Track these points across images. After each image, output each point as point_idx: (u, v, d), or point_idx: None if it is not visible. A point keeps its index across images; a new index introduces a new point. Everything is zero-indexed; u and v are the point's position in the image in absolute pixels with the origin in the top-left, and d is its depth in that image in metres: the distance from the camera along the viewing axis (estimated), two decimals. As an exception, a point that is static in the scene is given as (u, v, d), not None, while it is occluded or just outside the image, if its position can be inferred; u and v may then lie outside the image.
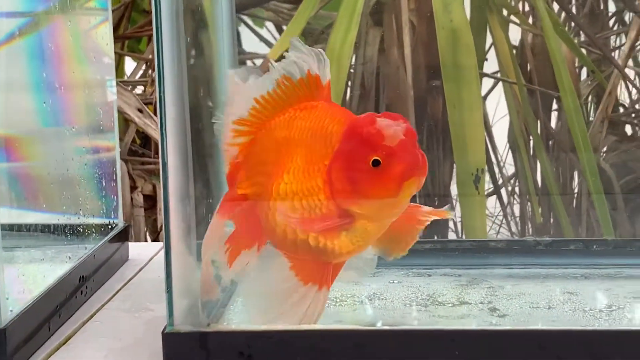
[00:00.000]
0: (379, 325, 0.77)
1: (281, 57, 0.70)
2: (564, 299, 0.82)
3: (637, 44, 1.62)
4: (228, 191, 0.72)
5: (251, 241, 0.70)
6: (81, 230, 0.93)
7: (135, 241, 1.43)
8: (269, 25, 1.64)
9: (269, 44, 1.57)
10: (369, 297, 0.85)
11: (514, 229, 1.63)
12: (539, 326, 0.73)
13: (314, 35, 1.50)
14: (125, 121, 1.54)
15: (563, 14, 1.61)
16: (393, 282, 0.88)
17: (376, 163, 0.62)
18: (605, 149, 1.63)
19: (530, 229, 1.60)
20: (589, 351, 0.68)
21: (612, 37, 1.68)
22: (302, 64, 0.67)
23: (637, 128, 1.69)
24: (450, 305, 0.81)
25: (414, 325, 0.75)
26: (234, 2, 0.92)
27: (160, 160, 0.72)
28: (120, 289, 0.95)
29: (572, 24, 1.63)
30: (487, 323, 0.77)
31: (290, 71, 0.68)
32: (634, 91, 1.68)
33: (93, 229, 0.96)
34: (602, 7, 1.66)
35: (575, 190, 1.57)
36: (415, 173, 0.62)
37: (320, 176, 0.65)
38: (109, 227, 1.00)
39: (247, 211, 0.70)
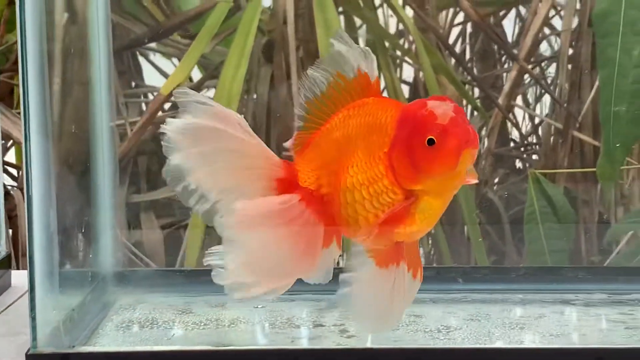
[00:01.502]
0: (233, 347, 0.83)
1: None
2: (409, 321, 0.89)
3: (528, 82, 1.73)
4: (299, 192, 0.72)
5: (331, 238, 0.72)
6: (-40, 258, 0.97)
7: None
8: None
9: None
10: (232, 321, 0.90)
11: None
12: (375, 345, 0.80)
13: (210, 70, 1.56)
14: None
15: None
16: (257, 307, 0.94)
17: (431, 142, 0.66)
18: (496, 180, 1.73)
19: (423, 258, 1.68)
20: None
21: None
22: (353, 62, 0.71)
23: (525, 162, 1.79)
24: (305, 327, 0.88)
25: (262, 346, 0.81)
26: (111, 38, 0.97)
27: (25, 193, 0.77)
28: (-2, 315, 0.99)
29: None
30: (334, 343, 0.84)
31: (345, 69, 0.71)
32: (528, 125, 1.78)
33: (-27, 258, 0.99)
34: (494, 46, 1.77)
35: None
36: (468, 145, 0.67)
37: (381, 164, 0.69)
38: (-10, 255, 1.04)
39: (324, 208, 0.72)
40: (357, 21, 1.59)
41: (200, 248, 1.34)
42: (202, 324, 0.90)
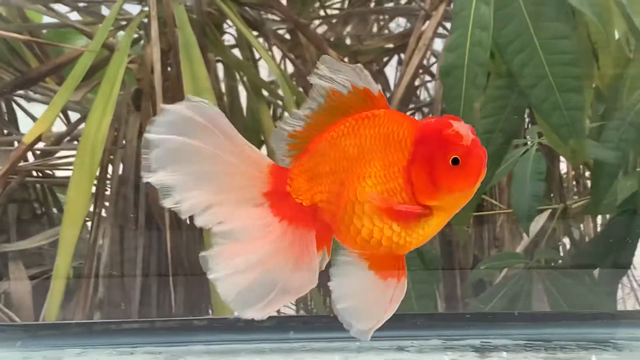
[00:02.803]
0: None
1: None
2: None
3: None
4: (281, 200, 0.72)
5: (320, 244, 0.72)
6: None
7: None
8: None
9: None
10: (64, 376, 0.89)
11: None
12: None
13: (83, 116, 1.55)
14: None
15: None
16: (94, 362, 0.93)
17: (456, 161, 0.68)
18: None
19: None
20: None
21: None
22: (343, 80, 0.71)
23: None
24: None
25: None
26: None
27: None
28: None
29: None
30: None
31: (335, 87, 0.71)
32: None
33: None
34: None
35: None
36: (485, 166, 0.69)
37: (400, 176, 0.69)
38: None
39: (314, 216, 0.71)
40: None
41: (61, 300, 1.32)
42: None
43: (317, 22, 1.83)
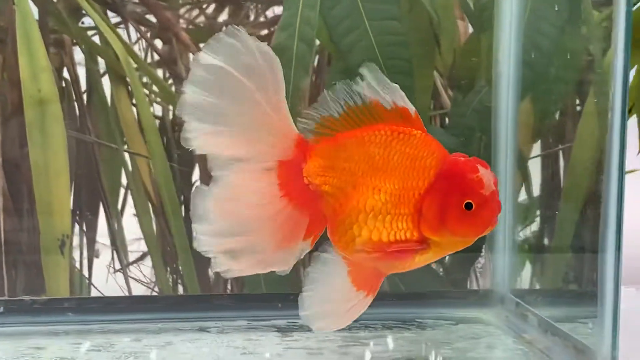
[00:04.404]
0: None
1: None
2: (25, 352, 0.86)
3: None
4: (291, 174, 0.71)
5: (310, 232, 0.71)
6: None
7: None
8: None
9: None
10: None
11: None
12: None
13: None
14: None
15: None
16: None
17: (469, 206, 0.68)
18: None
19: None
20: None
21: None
22: (386, 96, 0.70)
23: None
24: None
25: None
26: None
27: None
28: None
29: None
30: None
31: (379, 99, 0.70)
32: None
33: None
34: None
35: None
36: (495, 221, 0.69)
37: (412, 204, 0.69)
38: None
39: (314, 203, 0.70)
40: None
41: None
42: None
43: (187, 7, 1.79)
